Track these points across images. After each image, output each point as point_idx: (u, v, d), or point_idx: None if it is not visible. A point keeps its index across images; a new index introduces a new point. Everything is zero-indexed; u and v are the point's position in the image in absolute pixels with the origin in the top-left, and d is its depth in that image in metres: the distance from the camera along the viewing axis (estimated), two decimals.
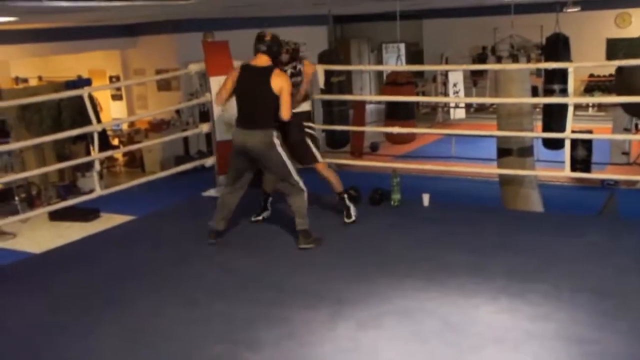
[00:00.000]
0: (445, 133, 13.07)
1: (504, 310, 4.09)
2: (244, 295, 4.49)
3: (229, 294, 4.52)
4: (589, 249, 5.03)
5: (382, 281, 4.56)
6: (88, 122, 6.10)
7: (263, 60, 5.19)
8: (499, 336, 3.78)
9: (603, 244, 5.14)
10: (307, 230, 5.26)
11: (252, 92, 5.17)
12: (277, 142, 5.20)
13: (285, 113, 5.14)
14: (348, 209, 5.78)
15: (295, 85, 5.48)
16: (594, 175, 9.26)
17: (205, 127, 6.64)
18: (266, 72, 5.12)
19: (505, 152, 7.65)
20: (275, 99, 5.11)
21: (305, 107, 5.74)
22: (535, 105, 10.84)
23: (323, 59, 8.85)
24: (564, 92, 10.12)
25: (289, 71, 5.56)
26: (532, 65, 10.29)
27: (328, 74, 9.82)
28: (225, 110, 5.96)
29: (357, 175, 6.51)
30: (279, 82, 5.10)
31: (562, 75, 10.09)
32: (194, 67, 6.38)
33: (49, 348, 3.95)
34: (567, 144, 5.86)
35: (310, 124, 5.79)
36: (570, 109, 5.78)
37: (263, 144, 5.14)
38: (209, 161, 6.69)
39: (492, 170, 7.81)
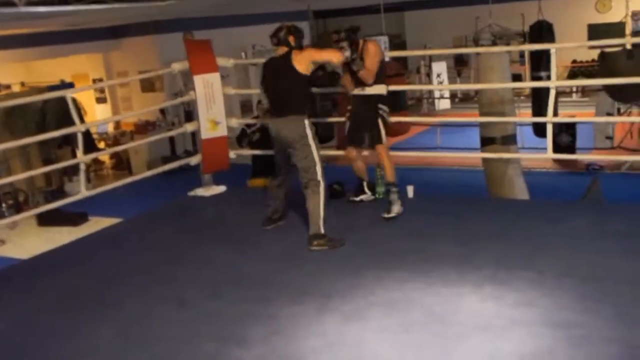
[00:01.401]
0: (430, 122, 13.12)
1: (489, 298, 4.13)
2: (233, 293, 4.51)
3: (218, 292, 4.54)
4: (573, 234, 5.08)
5: (368, 274, 4.60)
6: (72, 125, 6.09)
7: (281, 50, 5.32)
8: (484, 324, 3.82)
9: (587, 228, 5.19)
10: (317, 234, 5.17)
11: (279, 80, 5.32)
12: (309, 132, 5.29)
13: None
14: (391, 203, 5.72)
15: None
16: (576, 156, 9.35)
17: (189, 127, 6.66)
18: (286, 57, 5.25)
19: (489, 140, 7.73)
20: (303, 79, 5.26)
21: (380, 89, 5.78)
22: (519, 93, 10.95)
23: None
24: (549, 78, 10.23)
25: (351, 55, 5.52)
26: (514, 48, 10.29)
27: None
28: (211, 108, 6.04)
29: (343, 170, 6.53)
30: (304, 57, 5.23)
31: (548, 62, 10.20)
32: (177, 66, 6.38)
33: (38, 350, 3.97)
34: (549, 128, 5.90)
35: (384, 107, 5.81)
36: (552, 92, 5.81)
37: (295, 133, 5.25)
38: (194, 160, 6.70)
39: (475, 155, 7.86)
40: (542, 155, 6.29)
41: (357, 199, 6.16)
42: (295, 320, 4.01)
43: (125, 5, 6.39)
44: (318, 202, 5.20)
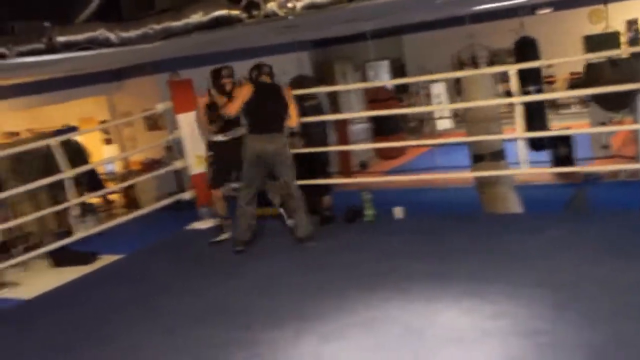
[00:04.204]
0: (414, 144, 13.20)
1: (465, 312, 4.25)
2: (218, 320, 4.67)
3: (204, 320, 4.71)
4: (550, 244, 5.20)
5: (350, 294, 4.74)
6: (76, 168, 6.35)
7: (267, 79, 6.11)
8: (458, 336, 3.94)
9: (564, 238, 5.31)
10: (309, 235, 5.95)
11: (270, 102, 5.99)
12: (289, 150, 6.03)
13: (294, 121, 6.13)
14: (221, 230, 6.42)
15: None
16: (551, 169, 9.36)
17: (179, 164, 6.88)
18: (276, 86, 6.14)
19: (478, 158, 7.84)
20: (286, 109, 6.01)
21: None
22: (509, 109, 11.00)
23: (294, 84, 9.09)
24: (539, 92, 10.38)
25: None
26: (488, 70, 10.43)
27: (300, 99, 10.09)
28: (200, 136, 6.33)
29: (347, 195, 6.81)
30: (289, 94, 6.14)
31: (535, 77, 10.36)
32: (161, 106, 6.64)
33: None
34: (520, 144, 6.02)
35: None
36: (518, 108, 5.96)
37: (282, 149, 5.93)
38: (187, 195, 6.90)
39: (466, 175, 7.97)
40: (521, 171, 6.39)
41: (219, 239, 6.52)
42: (275, 344, 4.15)
43: (110, 51, 6.65)
44: (304, 210, 5.93)
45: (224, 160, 6.33)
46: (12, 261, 7.31)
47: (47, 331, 5.00)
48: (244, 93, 5.93)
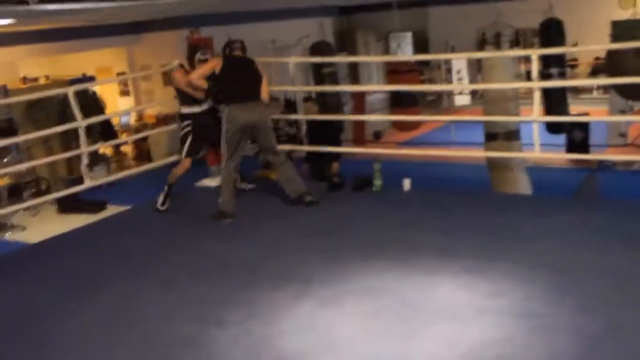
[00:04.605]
0: (434, 119, 13.13)
1: (463, 287, 4.27)
2: (218, 278, 4.72)
3: (205, 277, 4.76)
4: (556, 228, 5.18)
5: (351, 262, 4.77)
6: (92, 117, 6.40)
7: (239, 53, 6.16)
8: (453, 312, 3.96)
9: (570, 223, 5.28)
10: (308, 191, 6.14)
11: (247, 73, 6.05)
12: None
13: (266, 94, 6.13)
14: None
15: None
16: (565, 155, 9.25)
17: None
18: (250, 60, 6.17)
19: (492, 136, 7.78)
20: (260, 80, 6.08)
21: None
22: (527, 90, 10.91)
23: (313, 50, 9.05)
24: (562, 75, 10.25)
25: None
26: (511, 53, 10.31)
27: (318, 66, 10.06)
28: None
29: (357, 164, 6.83)
30: (263, 70, 6.18)
31: (558, 59, 10.21)
32: (177, 62, 6.60)
33: (33, 327, 4.22)
34: (535, 127, 5.97)
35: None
36: (537, 93, 5.89)
37: (265, 116, 6.04)
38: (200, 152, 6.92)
39: (478, 153, 7.91)
40: (529, 155, 6.34)
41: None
42: (273, 305, 4.19)
43: (136, 3, 6.61)
44: (294, 169, 6.22)
45: (199, 131, 6.44)
46: (23, 205, 7.37)
47: (52, 275, 5.08)
48: (210, 65, 6.04)
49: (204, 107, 6.51)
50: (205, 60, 6.31)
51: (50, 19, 7.96)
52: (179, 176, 6.49)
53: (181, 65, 6.60)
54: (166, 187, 6.45)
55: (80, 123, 6.26)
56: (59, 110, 11.07)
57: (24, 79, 12.89)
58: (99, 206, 10.74)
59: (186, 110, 6.48)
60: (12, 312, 4.50)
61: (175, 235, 5.75)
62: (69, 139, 11.50)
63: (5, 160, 10.26)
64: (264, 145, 6.13)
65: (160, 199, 6.41)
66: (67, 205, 10.55)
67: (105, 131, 11.68)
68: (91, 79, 12.74)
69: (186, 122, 6.48)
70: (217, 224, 5.87)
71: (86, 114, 6.98)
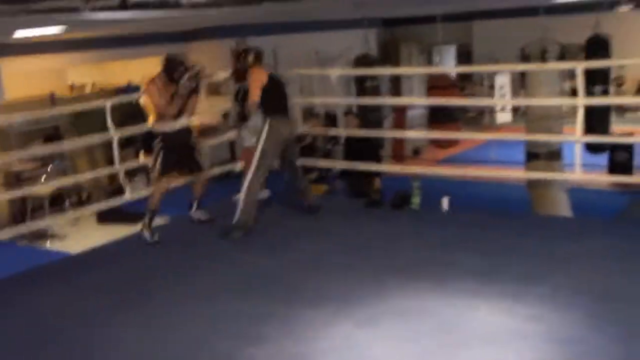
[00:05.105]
0: (473, 137, 12.95)
1: (501, 311, 4.23)
2: (256, 293, 4.75)
3: (242, 292, 4.79)
4: (596, 252, 5.11)
5: (389, 282, 4.75)
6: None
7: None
8: (490, 336, 3.93)
9: (612, 247, 5.19)
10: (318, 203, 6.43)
11: (284, 89, 6.22)
12: None
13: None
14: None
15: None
16: (606, 178, 9.06)
17: (232, 134, 6.93)
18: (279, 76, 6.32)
19: (533, 156, 7.71)
20: None
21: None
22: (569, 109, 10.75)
23: (357, 62, 9.04)
24: (605, 93, 10.08)
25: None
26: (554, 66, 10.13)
27: (361, 79, 10.06)
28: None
29: (396, 180, 6.84)
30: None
31: (603, 77, 10.05)
32: (222, 74, 6.66)
33: (71, 336, 4.31)
34: (577, 147, 5.88)
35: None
36: (580, 111, 5.81)
37: (295, 132, 6.34)
38: (237, 166, 6.96)
39: (518, 173, 7.82)
40: (571, 176, 6.24)
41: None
42: (310, 323, 4.20)
43: (183, 14, 6.72)
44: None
45: (175, 150, 6.11)
46: (66, 215, 7.49)
47: (91, 286, 5.17)
48: (260, 81, 5.97)
49: (179, 125, 6.13)
50: (193, 86, 6.16)
51: (100, 27, 8.13)
52: (159, 199, 6.14)
53: (154, 80, 6.18)
54: (147, 216, 6.11)
55: (114, 133, 6.34)
56: (103, 121, 11.27)
57: (72, 87, 13.14)
58: (138, 217, 10.85)
59: (162, 129, 6.10)
60: (51, 322, 4.57)
61: (213, 249, 5.79)
62: (112, 149, 11.70)
63: (49, 168, 10.43)
64: (290, 159, 6.23)
65: (145, 233, 6.04)
66: (106, 216, 10.67)
67: (147, 141, 11.81)
68: (136, 87, 12.94)
69: (161, 143, 6.11)
70: (253, 236, 5.90)
71: (132, 123, 7.11)
